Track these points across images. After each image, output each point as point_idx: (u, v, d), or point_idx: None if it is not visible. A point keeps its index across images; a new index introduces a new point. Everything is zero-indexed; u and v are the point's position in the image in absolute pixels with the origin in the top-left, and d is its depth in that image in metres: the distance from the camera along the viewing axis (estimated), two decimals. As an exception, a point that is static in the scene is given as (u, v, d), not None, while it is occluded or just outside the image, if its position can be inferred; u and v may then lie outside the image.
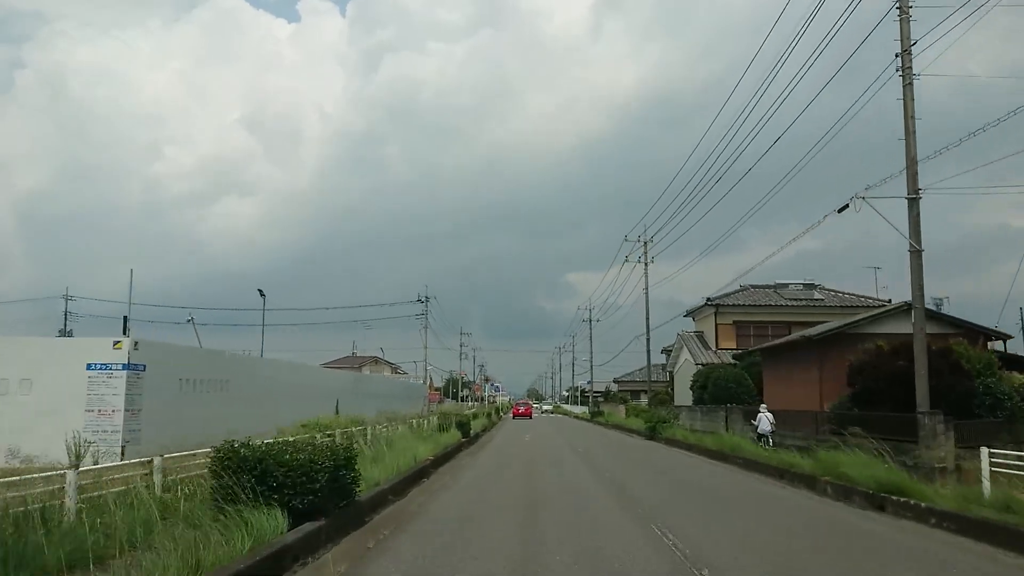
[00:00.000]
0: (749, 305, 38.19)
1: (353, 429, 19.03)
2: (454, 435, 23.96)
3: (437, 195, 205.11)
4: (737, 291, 39.57)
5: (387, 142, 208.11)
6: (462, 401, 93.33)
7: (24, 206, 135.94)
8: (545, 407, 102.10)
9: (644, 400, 67.89)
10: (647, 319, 46.34)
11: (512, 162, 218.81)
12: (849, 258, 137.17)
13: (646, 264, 46.98)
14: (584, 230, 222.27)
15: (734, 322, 37.96)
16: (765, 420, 21.97)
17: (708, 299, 38.00)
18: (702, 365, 35.92)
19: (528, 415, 68.96)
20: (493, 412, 56.43)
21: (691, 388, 34.49)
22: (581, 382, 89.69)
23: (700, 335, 39.86)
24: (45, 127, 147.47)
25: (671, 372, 44.98)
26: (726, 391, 30.96)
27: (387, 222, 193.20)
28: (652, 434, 30.11)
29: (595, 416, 56.85)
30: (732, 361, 34.34)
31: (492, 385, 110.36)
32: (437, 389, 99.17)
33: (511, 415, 72.29)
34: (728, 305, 38.02)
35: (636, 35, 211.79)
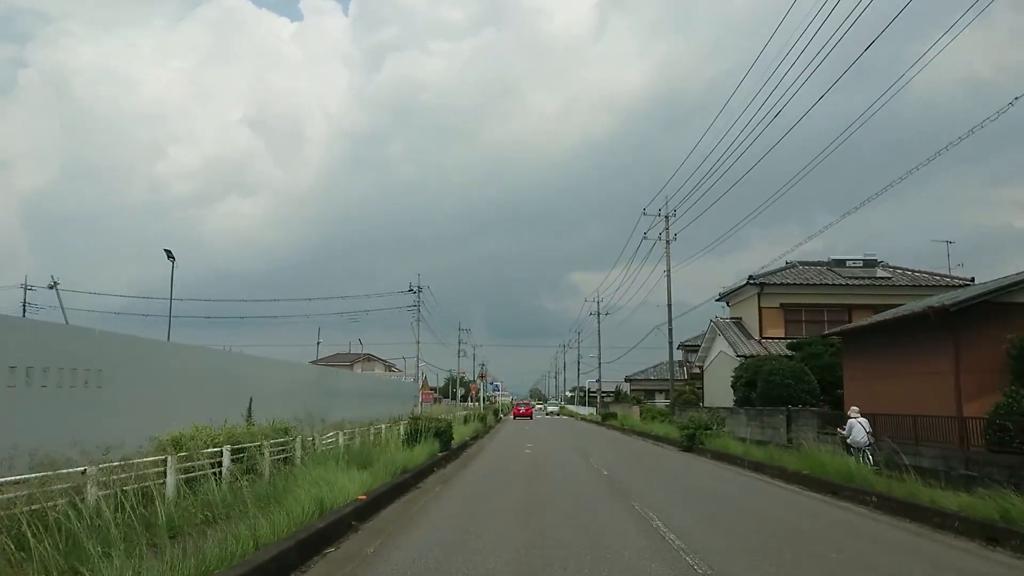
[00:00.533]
0: (800, 284, 31.32)
1: (264, 443, 12.36)
2: (427, 449, 17.22)
3: (440, 195, 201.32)
4: (783, 268, 32.72)
5: (390, 142, 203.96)
6: (462, 401, 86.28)
7: (27, 205, 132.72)
8: (550, 408, 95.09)
9: (660, 400, 61.03)
10: (669, 305, 39.69)
11: (514, 162, 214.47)
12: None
13: (668, 241, 40.61)
14: (586, 230, 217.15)
15: (781, 305, 31.10)
16: (860, 428, 15.38)
17: (751, 277, 31.16)
18: (744, 357, 29.09)
19: (529, 415, 70.88)
20: (491, 414, 49.59)
21: (733, 386, 27.64)
22: (589, 380, 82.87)
23: (739, 322, 33.00)
24: (48, 126, 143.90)
25: (700, 367, 38.10)
26: (782, 389, 24.14)
27: (388, 222, 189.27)
28: (691, 444, 23.30)
29: (607, 419, 50.00)
30: (787, 352, 27.50)
31: (492, 384, 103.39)
32: (433, 388, 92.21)
33: (512, 416, 73.29)
34: (775, 284, 31.16)
35: (642, 33, 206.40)
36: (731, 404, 28.49)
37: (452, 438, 20.03)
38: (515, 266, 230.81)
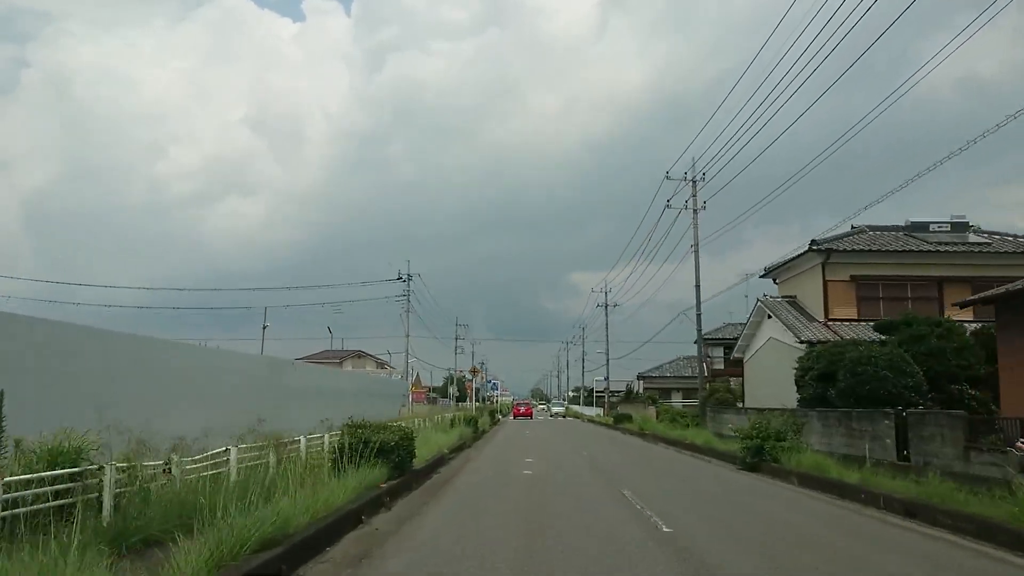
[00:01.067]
0: (875, 251, 24.56)
1: None
2: (364, 478, 10.57)
3: (440, 195, 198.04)
4: (850, 234, 26.02)
5: (390, 142, 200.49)
6: (459, 401, 79.33)
7: (28, 205, 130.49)
8: (555, 409, 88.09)
9: (676, 400, 54.30)
10: (697, 286, 33.17)
11: (514, 162, 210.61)
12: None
13: (695, 210, 34.26)
14: (586, 230, 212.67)
15: (852, 277, 24.35)
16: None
17: (813, 242, 24.39)
18: (810, 344, 22.38)
19: (529, 415, 70.40)
20: (485, 416, 42.82)
21: (798, 381, 20.86)
22: (596, 379, 76.16)
23: (793, 301, 26.24)
24: (49, 126, 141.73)
25: (740, 358, 31.32)
26: (877, 384, 17.49)
27: (388, 222, 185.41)
28: (757, 460, 16.60)
29: (620, 421, 43.25)
30: (868, 336, 20.85)
31: (490, 383, 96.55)
32: (427, 388, 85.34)
33: (512, 416, 71.10)
34: (844, 251, 24.40)
35: (642, 33, 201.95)
36: (781, 403, 21.85)
37: (413, 456, 13.30)
38: (515, 266, 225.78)
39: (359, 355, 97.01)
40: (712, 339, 50.75)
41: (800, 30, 17.55)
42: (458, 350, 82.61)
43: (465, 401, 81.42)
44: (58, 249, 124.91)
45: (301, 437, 13.50)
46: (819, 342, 21.97)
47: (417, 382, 75.00)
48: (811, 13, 16.57)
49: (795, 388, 21.41)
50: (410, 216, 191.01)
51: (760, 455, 16.62)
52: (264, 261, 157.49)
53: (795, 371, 21.19)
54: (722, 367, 52.66)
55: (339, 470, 11.17)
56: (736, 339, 53.11)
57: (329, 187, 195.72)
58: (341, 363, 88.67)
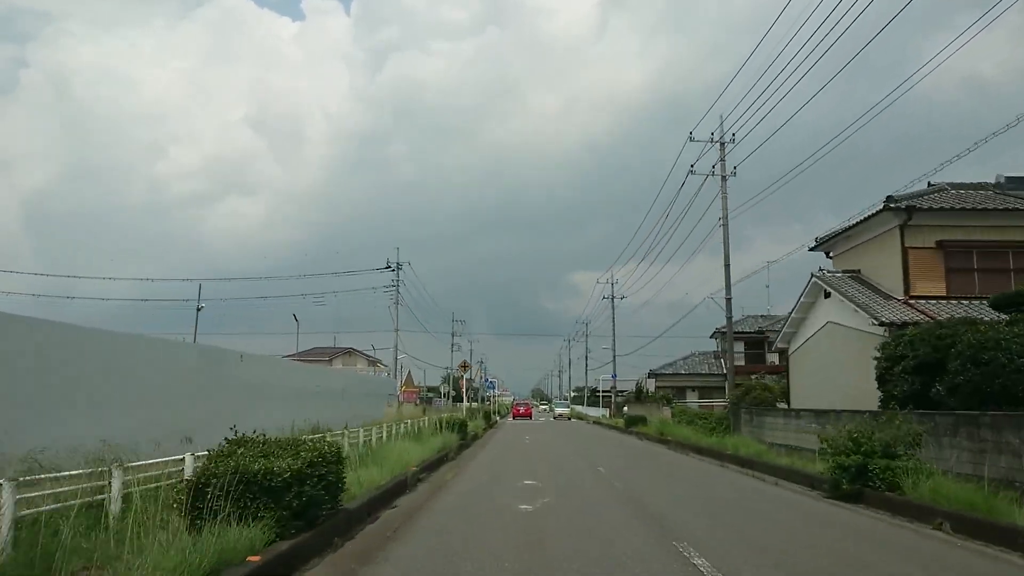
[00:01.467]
0: (972, 211, 19.36)
1: None
2: (195, 557, 5.48)
3: (440, 195, 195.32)
4: (930, 192, 20.88)
5: (390, 142, 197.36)
6: (456, 402, 73.98)
7: (28, 205, 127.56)
8: (559, 410, 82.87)
9: (692, 400, 49.21)
10: (727, 266, 28.39)
11: (514, 162, 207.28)
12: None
13: (724, 176, 29.47)
14: (586, 230, 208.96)
15: (939, 243, 19.16)
16: None
17: (890, 198, 19.20)
18: (893, 327, 17.24)
19: (528, 415, 70.58)
20: (480, 418, 37.65)
21: (885, 373, 15.68)
22: (603, 376, 71.08)
23: (857, 276, 21.05)
24: (49, 126, 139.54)
25: (784, 350, 26.09)
26: (1012, 375, 12.45)
27: (388, 222, 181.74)
28: (859, 485, 11.48)
29: (633, 424, 38.07)
30: (987, 315, 15.75)
31: (487, 382, 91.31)
32: (420, 387, 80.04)
33: (511, 417, 70.57)
34: (929, 210, 19.22)
35: (642, 33, 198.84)
36: (844, 403, 16.77)
37: (340, 491, 8.15)
38: (515, 266, 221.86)
39: (349, 352, 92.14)
40: (741, 332, 45.64)
41: (799, 28, 16.36)
42: (455, 347, 77.60)
43: (462, 401, 76.16)
44: (58, 249, 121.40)
45: (187, 455, 8.60)
46: (912, 323, 16.83)
47: (408, 381, 69.82)
48: (811, 12, 15.64)
49: (875, 383, 16.30)
50: (410, 216, 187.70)
51: (863, 478, 11.50)
52: (264, 261, 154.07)
53: (877, 362, 16.05)
54: (743, 363, 47.65)
55: (199, 524, 6.14)
56: (759, 333, 48.09)
57: (329, 187, 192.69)
58: (331, 361, 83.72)
